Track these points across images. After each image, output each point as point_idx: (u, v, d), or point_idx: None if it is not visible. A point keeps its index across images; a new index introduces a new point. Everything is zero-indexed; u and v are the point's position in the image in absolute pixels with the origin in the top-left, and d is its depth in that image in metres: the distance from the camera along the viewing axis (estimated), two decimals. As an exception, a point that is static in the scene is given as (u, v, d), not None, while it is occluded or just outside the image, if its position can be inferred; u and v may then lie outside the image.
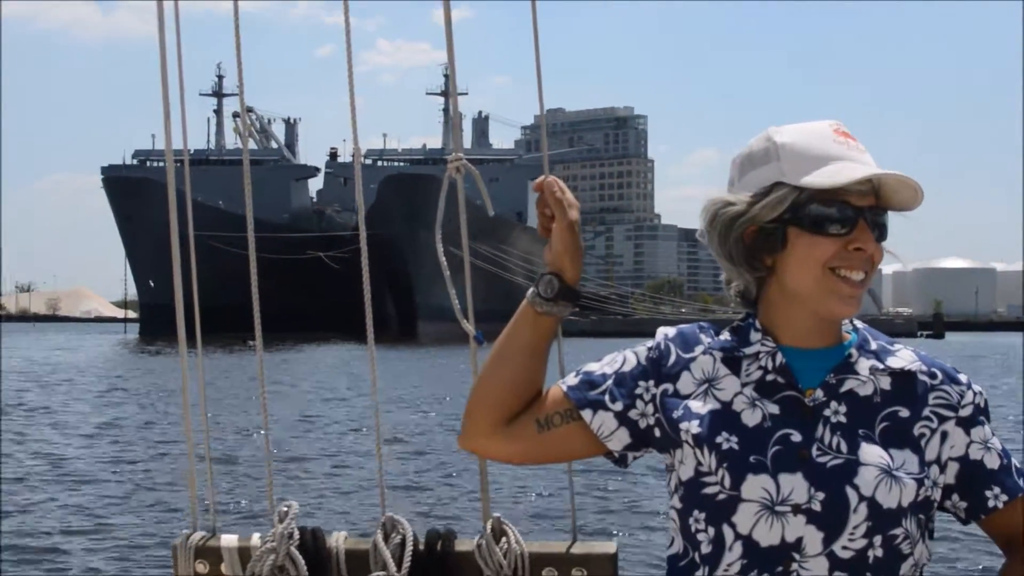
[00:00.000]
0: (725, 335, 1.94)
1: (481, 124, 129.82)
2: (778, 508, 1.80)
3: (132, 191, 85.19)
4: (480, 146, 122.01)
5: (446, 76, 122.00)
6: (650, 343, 1.97)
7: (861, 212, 1.85)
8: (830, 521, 1.79)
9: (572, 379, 1.98)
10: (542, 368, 1.98)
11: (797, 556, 1.79)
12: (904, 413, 1.87)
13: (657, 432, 1.93)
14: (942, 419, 1.88)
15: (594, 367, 1.98)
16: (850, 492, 1.79)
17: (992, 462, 1.90)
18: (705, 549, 1.86)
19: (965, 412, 1.90)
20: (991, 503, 1.90)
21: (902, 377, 1.90)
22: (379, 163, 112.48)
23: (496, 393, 1.96)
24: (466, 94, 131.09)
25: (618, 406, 1.94)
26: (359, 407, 24.17)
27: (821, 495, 1.79)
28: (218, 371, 35.31)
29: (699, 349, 1.94)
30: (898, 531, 1.81)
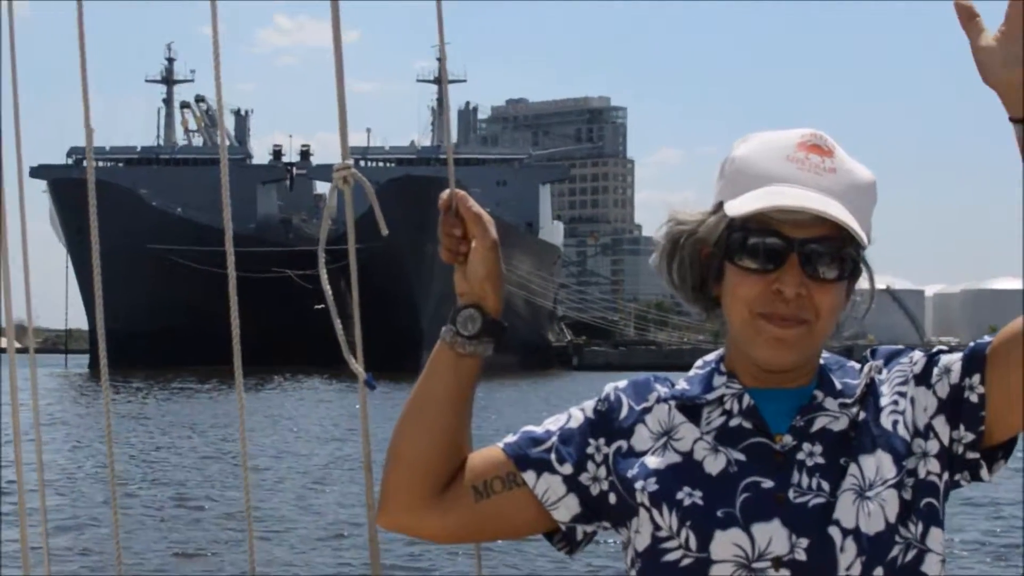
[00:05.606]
0: (682, 384, 1.80)
1: (468, 116, 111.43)
2: (755, 565, 1.64)
3: (83, 197, 70.37)
4: (471, 143, 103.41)
5: (439, 59, 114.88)
6: (598, 397, 1.83)
7: (794, 245, 1.64)
8: (819, 569, 1.63)
9: (511, 437, 1.82)
10: (468, 421, 1.81)
11: None
12: (869, 416, 1.72)
13: (612, 498, 1.76)
14: (903, 393, 1.74)
15: (535, 427, 1.82)
16: (833, 530, 1.64)
17: (956, 368, 1.72)
18: None
19: (917, 369, 1.75)
20: (976, 378, 1.68)
21: (866, 392, 1.75)
22: (362, 163, 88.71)
23: (418, 457, 1.76)
24: (464, 81, 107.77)
25: (566, 468, 1.77)
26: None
27: (805, 541, 1.64)
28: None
29: (653, 397, 1.79)
30: (895, 550, 1.66)
